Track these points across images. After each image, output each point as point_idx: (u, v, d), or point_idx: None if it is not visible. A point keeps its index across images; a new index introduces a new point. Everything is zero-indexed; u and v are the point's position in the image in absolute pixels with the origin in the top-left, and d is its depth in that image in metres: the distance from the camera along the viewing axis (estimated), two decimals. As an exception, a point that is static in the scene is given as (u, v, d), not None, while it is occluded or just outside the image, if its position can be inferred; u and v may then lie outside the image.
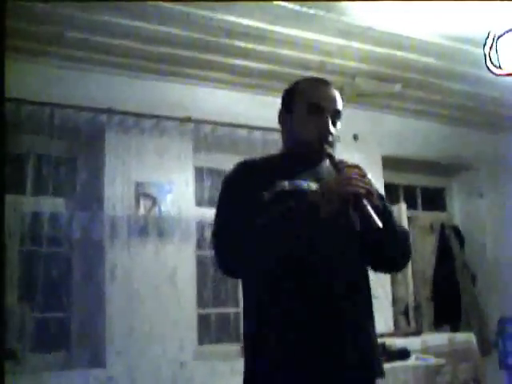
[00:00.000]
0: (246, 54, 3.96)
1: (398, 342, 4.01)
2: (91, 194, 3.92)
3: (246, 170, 1.80)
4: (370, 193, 1.59)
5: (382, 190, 5.03)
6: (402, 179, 5.69)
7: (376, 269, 1.89)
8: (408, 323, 5.13)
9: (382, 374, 1.77)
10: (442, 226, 5.68)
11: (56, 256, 3.89)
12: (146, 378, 3.74)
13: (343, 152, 4.74)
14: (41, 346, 3.76)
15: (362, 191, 1.58)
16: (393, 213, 1.80)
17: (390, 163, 5.20)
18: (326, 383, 1.64)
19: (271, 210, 1.62)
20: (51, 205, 3.84)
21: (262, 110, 4.31)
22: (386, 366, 3.51)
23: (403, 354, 3.79)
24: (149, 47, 3.80)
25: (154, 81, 4.16)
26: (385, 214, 1.67)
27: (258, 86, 4.42)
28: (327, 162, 1.78)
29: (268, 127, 4.13)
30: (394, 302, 5.06)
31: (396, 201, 5.45)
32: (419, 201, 5.86)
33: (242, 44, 3.82)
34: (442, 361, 3.87)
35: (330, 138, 1.76)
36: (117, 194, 3.89)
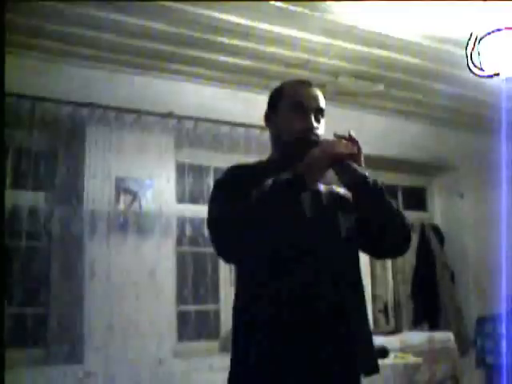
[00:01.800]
0: (229, 50, 3.95)
1: (376, 341, 4.01)
2: (71, 189, 3.89)
3: (237, 172, 1.87)
4: (355, 154, 1.73)
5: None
6: (383, 178, 5.64)
7: (378, 253, 1.95)
8: (387, 321, 5.15)
9: (375, 369, 1.80)
10: (423, 226, 5.71)
11: (35, 250, 3.85)
12: (125, 375, 3.72)
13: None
14: (18, 341, 3.72)
15: (346, 151, 1.71)
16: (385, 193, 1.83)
17: (372, 162, 5.14)
18: (316, 380, 1.65)
19: (259, 189, 1.67)
20: (30, 199, 3.80)
21: (245, 106, 4.31)
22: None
23: (382, 352, 3.79)
24: (132, 41, 3.77)
25: (137, 75, 4.14)
26: (376, 188, 1.77)
27: (241, 83, 4.41)
28: None
29: (251, 124, 4.13)
30: (374, 300, 5.08)
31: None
32: (400, 200, 5.88)
33: (225, 40, 3.80)
34: (419, 359, 3.89)
35: (315, 132, 1.85)
36: (97, 189, 3.86)
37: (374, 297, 5.08)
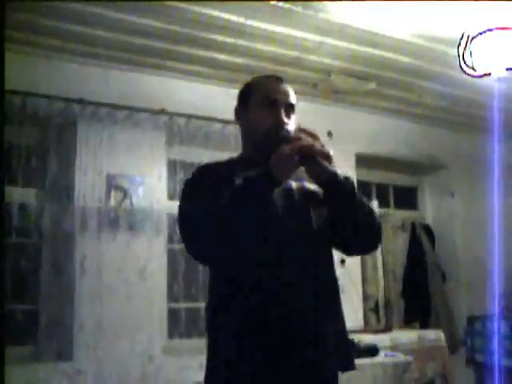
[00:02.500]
0: (222, 47, 3.94)
1: (367, 339, 4.03)
2: (62, 185, 3.87)
3: (207, 171, 1.84)
4: (322, 151, 1.68)
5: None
6: (375, 177, 5.72)
7: (349, 251, 1.90)
8: (378, 320, 5.16)
9: (351, 366, 1.79)
10: (414, 225, 5.73)
11: (25, 247, 3.83)
12: (115, 372, 3.71)
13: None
14: (7, 338, 3.70)
15: (316, 147, 1.67)
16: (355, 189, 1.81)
17: (363, 161, 5.22)
18: (291, 380, 1.64)
19: (229, 188, 1.65)
20: (21, 195, 3.78)
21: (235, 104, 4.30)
22: (356, 362, 3.55)
23: (372, 350, 3.80)
24: (124, 38, 3.76)
25: (129, 72, 4.13)
26: (347, 185, 1.74)
27: (233, 80, 4.39)
28: None
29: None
30: (365, 298, 5.09)
31: (368, 198, 5.48)
32: (391, 199, 5.90)
33: (218, 37, 3.80)
34: (410, 358, 3.90)
35: (285, 127, 1.81)
36: (88, 186, 3.84)
37: (364, 295, 5.09)
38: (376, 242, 1.88)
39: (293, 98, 1.91)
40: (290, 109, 1.89)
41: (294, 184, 1.85)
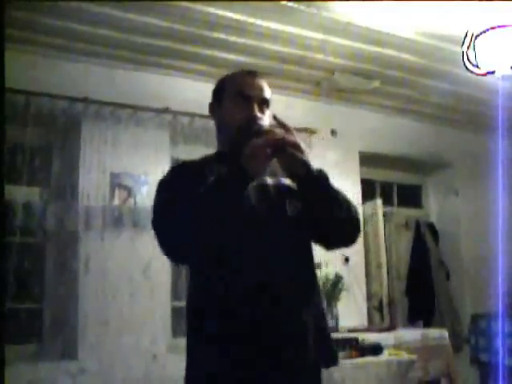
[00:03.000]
0: (225, 46, 3.94)
1: (371, 338, 4.02)
2: (66, 184, 3.87)
3: (181, 170, 1.81)
4: (294, 143, 1.64)
5: (358, 186, 5.09)
6: (379, 175, 5.72)
7: (327, 244, 1.85)
8: (382, 319, 5.16)
9: (334, 361, 1.78)
10: (418, 223, 5.72)
11: (29, 246, 3.85)
12: (119, 371, 3.71)
13: (321, 147, 4.77)
14: (12, 337, 3.71)
15: (288, 140, 1.63)
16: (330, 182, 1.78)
17: (367, 159, 5.22)
18: (273, 379, 1.62)
19: (203, 186, 1.62)
20: (25, 194, 3.79)
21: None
22: (359, 360, 3.55)
23: (376, 349, 3.80)
24: (127, 37, 3.77)
25: (132, 71, 4.13)
26: (321, 177, 1.72)
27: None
28: None
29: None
30: (369, 297, 5.08)
31: (372, 197, 5.49)
32: (395, 197, 5.89)
33: (221, 36, 3.80)
34: (414, 357, 3.90)
35: (258, 122, 1.77)
36: (92, 185, 3.85)
37: (368, 294, 5.09)
38: (354, 235, 1.82)
39: (267, 93, 1.87)
40: (264, 104, 1.84)
41: (269, 179, 1.82)
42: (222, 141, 1.90)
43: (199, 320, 1.70)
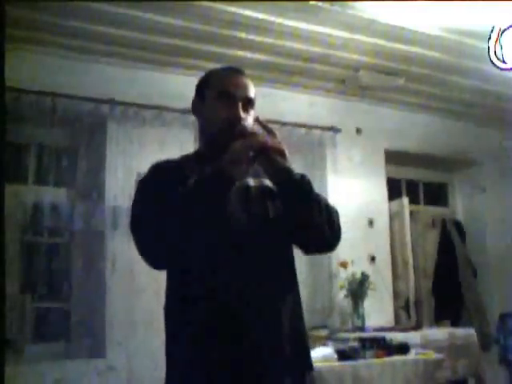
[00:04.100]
0: (248, 45, 3.95)
1: (398, 337, 4.00)
2: (92, 185, 3.92)
3: (160, 171, 1.75)
4: (277, 147, 1.60)
5: (384, 184, 5.06)
6: (405, 174, 5.68)
7: (307, 249, 1.81)
8: (408, 317, 5.12)
9: (308, 367, 1.73)
10: (444, 221, 5.67)
11: (57, 246, 3.90)
12: (146, 369, 3.74)
13: (346, 145, 4.76)
14: (41, 336, 3.77)
15: (271, 143, 1.59)
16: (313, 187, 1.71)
17: (393, 157, 5.19)
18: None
19: (184, 188, 1.59)
20: (52, 195, 3.84)
21: (264, 101, 4.29)
22: (386, 360, 3.53)
23: (403, 348, 3.77)
24: (151, 38, 3.79)
25: (157, 71, 4.16)
26: (303, 182, 1.66)
27: (260, 78, 4.39)
28: None
29: (269, 119, 4.10)
30: (395, 296, 5.05)
31: (398, 195, 5.45)
32: (421, 195, 5.85)
33: (244, 35, 3.80)
34: (441, 356, 3.86)
35: (242, 123, 1.71)
36: (118, 185, 3.88)
37: (395, 293, 5.05)
38: (333, 241, 1.76)
39: (251, 92, 1.80)
40: (247, 103, 1.77)
41: (252, 181, 1.77)
42: (204, 140, 1.84)
43: (176, 322, 1.69)
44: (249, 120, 1.74)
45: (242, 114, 1.73)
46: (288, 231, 1.72)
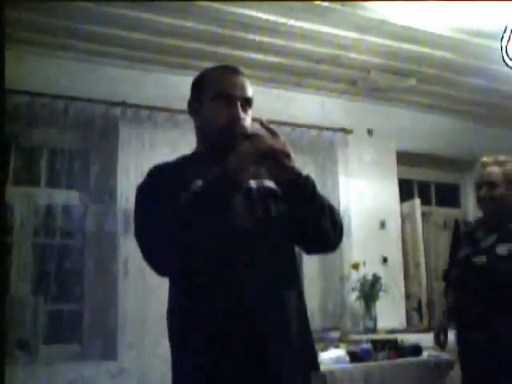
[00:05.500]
0: (259, 47, 3.95)
1: (410, 338, 3.99)
2: (104, 187, 3.93)
3: (158, 175, 1.73)
4: (283, 150, 1.56)
5: (395, 185, 5.04)
6: (417, 175, 5.65)
7: (309, 249, 1.82)
8: (420, 319, 5.10)
9: (315, 367, 1.72)
10: (456, 222, 5.63)
11: (69, 248, 3.91)
12: (158, 371, 3.74)
13: (357, 147, 4.75)
14: (53, 337, 3.78)
15: (278, 146, 1.55)
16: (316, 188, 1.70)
17: (405, 158, 5.17)
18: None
19: (187, 192, 1.57)
20: (65, 197, 3.86)
21: (274, 103, 4.30)
22: (398, 361, 3.52)
23: (415, 350, 3.76)
24: (162, 40, 3.81)
25: (168, 74, 4.16)
26: (308, 184, 1.64)
27: (271, 80, 4.40)
28: None
29: (281, 121, 4.11)
30: (407, 297, 5.03)
31: (410, 196, 5.43)
32: (433, 197, 5.82)
33: (255, 37, 3.81)
34: (454, 357, 3.84)
35: (242, 124, 1.69)
36: (130, 187, 3.88)
37: (407, 295, 5.03)
38: (336, 241, 1.76)
39: (249, 92, 1.76)
40: (246, 103, 1.73)
41: (253, 183, 1.74)
42: (203, 142, 1.81)
43: (182, 327, 1.70)
44: (248, 120, 1.72)
45: (242, 115, 1.70)
46: (291, 232, 1.71)
